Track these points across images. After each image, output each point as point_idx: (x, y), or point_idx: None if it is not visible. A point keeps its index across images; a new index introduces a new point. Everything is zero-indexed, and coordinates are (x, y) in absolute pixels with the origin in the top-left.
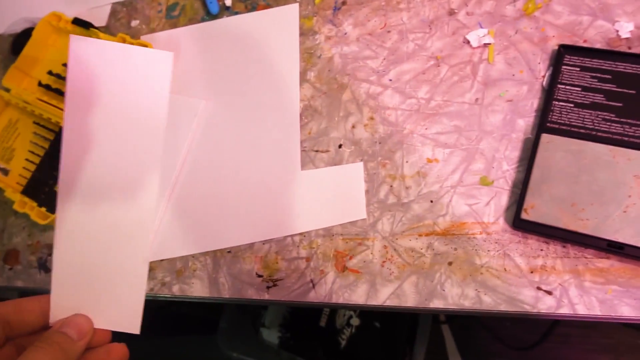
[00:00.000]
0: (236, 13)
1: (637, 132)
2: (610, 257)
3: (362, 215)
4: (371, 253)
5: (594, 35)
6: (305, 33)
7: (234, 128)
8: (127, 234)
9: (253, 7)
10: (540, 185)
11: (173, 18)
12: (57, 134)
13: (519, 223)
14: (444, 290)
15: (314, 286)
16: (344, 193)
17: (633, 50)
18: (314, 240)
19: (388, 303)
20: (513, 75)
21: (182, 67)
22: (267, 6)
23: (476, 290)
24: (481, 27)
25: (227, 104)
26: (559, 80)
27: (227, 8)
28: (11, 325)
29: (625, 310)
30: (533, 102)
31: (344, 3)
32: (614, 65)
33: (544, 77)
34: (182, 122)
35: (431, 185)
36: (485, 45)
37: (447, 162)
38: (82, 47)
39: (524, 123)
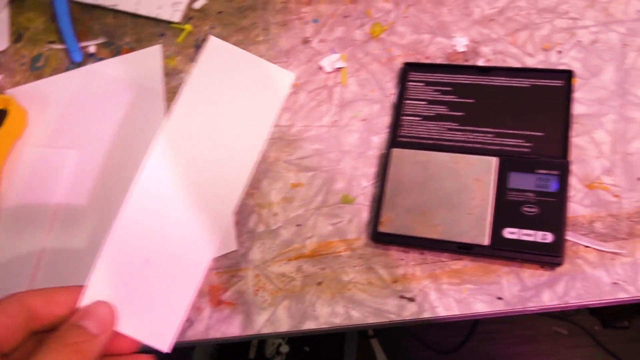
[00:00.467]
0: (101, 59)
1: (477, 137)
2: (462, 258)
3: (232, 247)
4: (245, 283)
5: (435, 51)
6: (169, 73)
7: (107, 177)
8: (188, 244)
9: (117, 52)
10: (394, 198)
11: (38, 69)
12: None
13: (377, 236)
14: (315, 310)
15: (191, 324)
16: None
17: (469, 63)
18: None
19: (264, 331)
20: (366, 95)
21: (50, 118)
22: (131, 49)
23: (345, 306)
24: (334, 53)
25: (97, 152)
26: (406, 96)
27: (92, 55)
28: (39, 318)
29: (480, 306)
30: (385, 119)
31: (205, 40)
32: (454, 78)
33: (392, 94)
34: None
35: (297, 209)
36: (339, 69)
37: (310, 185)
38: (217, 48)
39: (378, 139)
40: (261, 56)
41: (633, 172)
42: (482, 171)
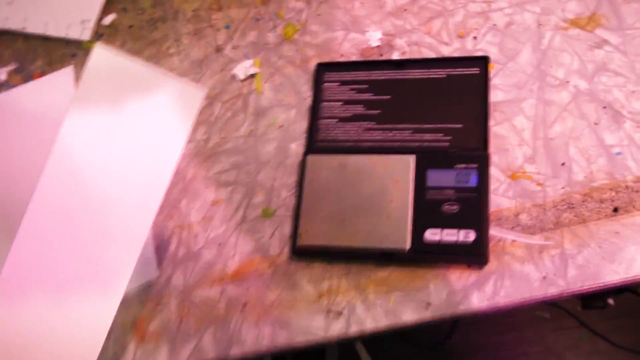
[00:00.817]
0: (13, 86)
1: (395, 135)
2: (388, 265)
3: (153, 275)
4: (169, 312)
5: (349, 48)
6: None
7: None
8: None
9: (29, 77)
10: (311, 208)
11: None
12: None
13: (297, 250)
14: (240, 335)
15: None
16: None
17: (383, 57)
18: None
19: None
20: (281, 101)
21: None
22: (43, 73)
23: (272, 327)
24: (247, 59)
25: (17, 182)
26: (322, 98)
27: (3, 83)
28: None
29: (409, 315)
30: (302, 125)
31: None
32: (369, 75)
33: (309, 97)
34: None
35: (218, 228)
36: (253, 76)
37: (229, 201)
38: (104, 60)
39: (296, 146)
40: (174, 69)
41: (556, 157)
42: (400, 171)
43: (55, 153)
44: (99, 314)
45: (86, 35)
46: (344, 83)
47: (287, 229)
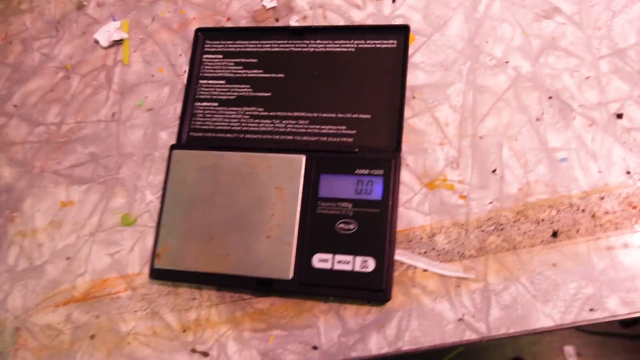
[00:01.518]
0: None
1: (287, 126)
2: (268, 295)
3: None
4: (2, 341)
5: (239, 9)
6: None
7: None
8: None
9: None
10: (175, 220)
11: None
12: None
13: (154, 273)
14: None
15: None
16: None
17: (280, 23)
18: None
19: None
20: (152, 75)
21: None
22: None
23: None
24: (114, 20)
25: None
26: (201, 74)
27: None
28: None
29: (290, 359)
30: (176, 107)
31: None
32: (261, 45)
33: (186, 73)
34: None
35: (67, 236)
36: (119, 42)
37: (83, 202)
38: None
39: (167, 136)
40: (23, 31)
41: (485, 162)
42: (286, 176)
43: None
44: None
45: None
46: (228, 55)
47: (150, 242)
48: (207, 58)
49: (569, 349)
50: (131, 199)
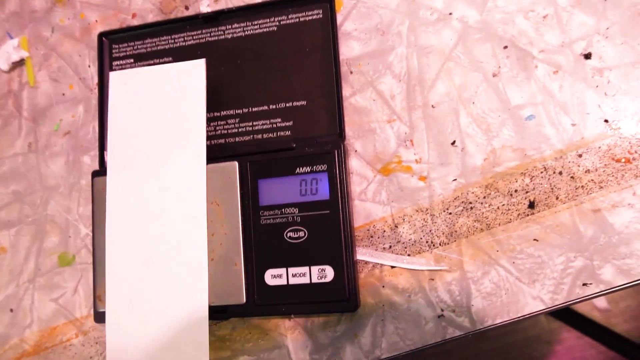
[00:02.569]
0: None
1: (217, 129)
2: (226, 318)
3: None
4: None
5: (143, 2)
6: None
7: None
8: (183, 296)
9: None
10: (109, 255)
11: None
12: None
13: (99, 316)
14: None
15: None
16: None
17: (191, 11)
18: None
19: None
20: (63, 94)
21: None
22: None
23: None
24: (10, 37)
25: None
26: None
27: None
28: None
29: None
30: (94, 126)
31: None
32: (172, 41)
33: (97, 86)
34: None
35: (6, 287)
36: (21, 62)
37: (15, 247)
38: (121, 81)
39: (90, 160)
40: None
41: (442, 133)
42: (219, 188)
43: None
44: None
45: None
46: (139, 58)
47: (92, 278)
48: (117, 65)
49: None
50: (65, 236)
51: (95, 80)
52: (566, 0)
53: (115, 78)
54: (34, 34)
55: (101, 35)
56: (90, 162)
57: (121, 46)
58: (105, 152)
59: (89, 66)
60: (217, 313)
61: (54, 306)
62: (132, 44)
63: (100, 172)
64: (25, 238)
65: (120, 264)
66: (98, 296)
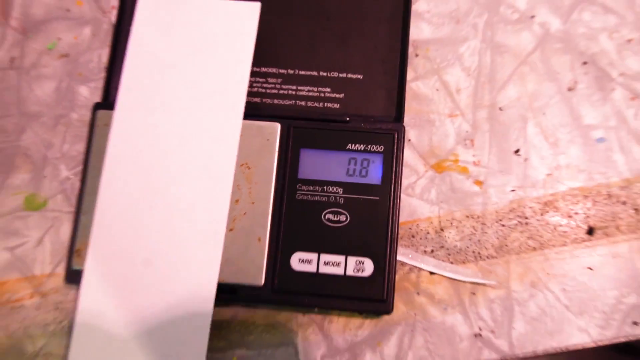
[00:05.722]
0: None
1: (254, 85)
2: (230, 304)
3: None
4: None
5: None
6: None
7: None
8: (187, 267)
9: None
10: (97, 206)
11: None
12: None
13: (73, 275)
14: None
15: None
16: None
17: None
18: None
19: None
20: (68, 10)
21: None
22: None
23: None
24: None
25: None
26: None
27: None
28: None
29: None
30: (101, 55)
31: None
32: None
33: (114, 8)
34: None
35: None
36: None
37: None
38: (153, 5)
39: (89, 92)
40: None
41: (506, 139)
42: (255, 150)
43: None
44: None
45: None
46: None
47: (66, 232)
48: None
49: None
50: (39, 175)
51: (112, 2)
52: None
53: (146, 1)
54: None
55: None
56: (87, 95)
57: None
58: (113, 84)
59: None
60: (225, 293)
61: (7, 256)
62: None
63: (105, 105)
64: None
65: (114, 216)
66: (77, 251)
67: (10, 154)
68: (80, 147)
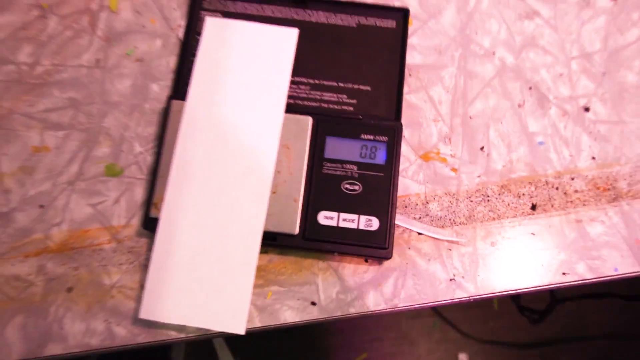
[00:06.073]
0: None
1: (290, 89)
2: (268, 250)
3: None
4: None
5: None
6: None
7: None
8: (239, 217)
9: None
10: (171, 170)
11: None
12: None
13: (149, 223)
14: (62, 328)
15: None
16: None
17: None
18: None
19: None
20: (143, 26)
21: None
22: None
23: (106, 321)
24: None
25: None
26: (197, 31)
27: None
28: None
29: (288, 315)
30: (169, 61)
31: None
32: (261, 9)
33: (180, 26)
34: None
35: (40, 183)
36: None
37: (61, 149)
38: (216, 27)
39: (159, 88)
40: None
41: (474, 139)
42: (293, 135)
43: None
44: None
45: None
46: (227, 16)
47: (138, 194)
48: (204, 15)
49: (463, 356)
50: (117, 149)
51: (178, 22)
52: (577, 67)
53: (211, 23)
54: None
55: None
56: (157, 90)
57: (212, 0)
58: (181, 82)
59: (175, 9)
60: (268, 240)
61: (90, 210)
62: (223, 1)
63: (177, 96)
64: (73, 143)
65: (184, 179)
66: (154, 204)
67: (95, 132)
68: (151, 129)
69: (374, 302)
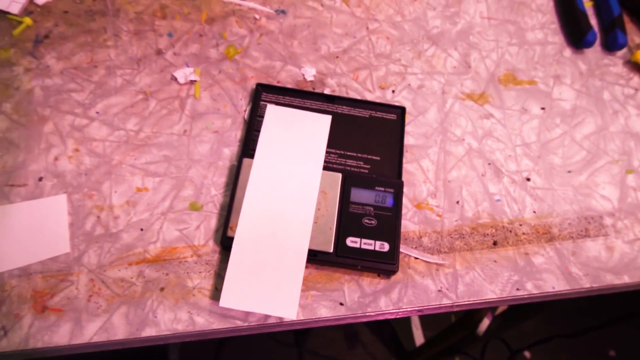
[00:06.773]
0: None
1: (324, 155)
2: (308, 266)
3: (65, 250)
4: (76, 288)
5: (286, 77)
6: (2, 63)
7: None
8: (292, 238)
9: None
10: (243, 204)
11: None
12: None
13: (225, 241)
14: (156, 317)
15: (5, 333)
16: (44, 228)
17: (316, 90)
18: (7, 282)
19: (96, 339)
20: (218, 109)
21: None
22: None
23: (189, 312)
24: (187, 67)
25: None
26: (258, 114)
27: None
28: None
29: (323, 311)
30: (237, 133)
31: (46, 37)
32: (303, 102)
33: (245, 111)
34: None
35: (141, 213)
36: (192, 82)
37: (157, 190)
38: (274, 112)
39: (229, 151)
40: (106, 61)
41: (452, 196)
42: (328, 185)
43: (253, 171)
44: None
45: (14, 9)
46: (279, 105)
47: (213, 223)
48: (263, 104)
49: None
50: (198, 192)
51: (244, 107)
52: (520, 151)
53: (271, 110)
54: (205, 70)
55: (258, 85)
56: (229, 153)
57: (268, 94)
58: (246, 147)
59: (241, 99)
60: (311, 255)
61: (178, 234)
62: (276, 95)
63: (247, 155)
64: (166, 186)
65: (252, 210)
66: (230, 227)
67: (182, 179)
68: (223, 179)
69: (385, 304)
